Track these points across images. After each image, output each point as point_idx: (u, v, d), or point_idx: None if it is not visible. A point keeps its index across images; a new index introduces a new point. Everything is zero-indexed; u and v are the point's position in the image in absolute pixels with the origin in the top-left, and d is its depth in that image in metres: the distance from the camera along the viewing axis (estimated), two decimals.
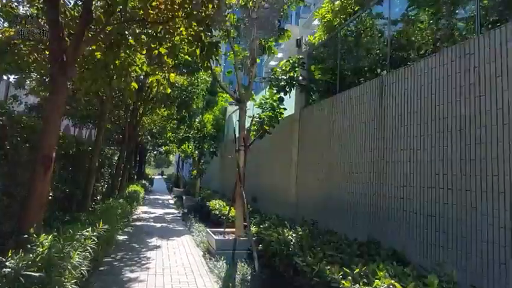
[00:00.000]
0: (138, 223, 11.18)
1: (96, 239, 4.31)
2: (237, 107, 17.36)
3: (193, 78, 13.08)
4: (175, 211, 15.51)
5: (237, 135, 7.84)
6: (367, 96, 5.97)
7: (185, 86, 12.38)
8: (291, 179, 8.32)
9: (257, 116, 7.93)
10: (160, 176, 56.28)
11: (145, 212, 14.20)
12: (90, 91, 6.70)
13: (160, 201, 19.97)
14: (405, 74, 5.13)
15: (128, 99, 10.90)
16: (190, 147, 16.27)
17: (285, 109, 7.80)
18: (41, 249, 3.45)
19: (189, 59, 8.20)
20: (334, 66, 7.45)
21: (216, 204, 11.36)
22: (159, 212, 14.71)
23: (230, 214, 8.46)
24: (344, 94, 6.66)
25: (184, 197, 17.07)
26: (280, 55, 33.61)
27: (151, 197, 22.76)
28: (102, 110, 7.92)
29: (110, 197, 10.20)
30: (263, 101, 8.29)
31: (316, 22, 22.85)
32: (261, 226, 6.73)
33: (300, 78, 7.95)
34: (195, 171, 16.34)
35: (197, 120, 17.20)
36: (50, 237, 3.71)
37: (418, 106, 4.82)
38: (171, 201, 20.20)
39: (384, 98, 5.49)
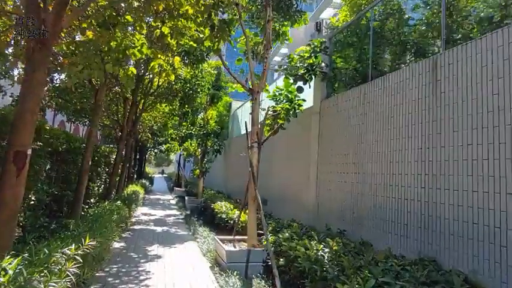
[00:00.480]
0: (137, 227, 10.24)
1: (81, 260, 3.35)
2: (243, 102, 16.31)
3: (197, 71, 12.12)
4: (177, 213, 14.57)
5: (249, 130, 6.90)
6: (413, 81, 5.00)
7: (188, 78, 11.43)
8: (310, 180, 7.37)
9: (272, 108, 6.97)
10: (161, 175, 55.43)
11: (145, 214, 13.25)
12: (81, 78, 5.74)
13: (161, 202, 19.03)
14: (472, 50, 4.14)
15: (126, 91, 9.97)
16: (193, 145, 15.32)
17: (304, 100, 6.84)
18: (1, 280, 2.50)
19: (194, 45, 7.23)
20: (363, 51, 6.49)
21: (222, 206, 10.41)
22: (160, 213, 13.76)
23: (241, 219, 7.53)
24: (379, 81, 5.70)
25: (186, 198, 16.14)
26: (284, 50, 32.59)
27: (151, 196, 21.82)
28: (96, 102, 6.98)
29: (106, 199, 9.26)
30: (277, 93, 7.32)
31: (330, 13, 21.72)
32: (280, 236, 5.77)
33: (322, 65, 6.97)
34: (197, 171, 15.40)
35: (200, 116, 16.25)
36: (16, 261, 2.76)
37: (490, 90, 3.86)
38: (173, 202, 19.26)
39: (439, 83, 4.53)
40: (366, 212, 5.60)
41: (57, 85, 9.71)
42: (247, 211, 6.59)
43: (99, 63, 5.55)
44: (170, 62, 5.52)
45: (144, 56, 5.33)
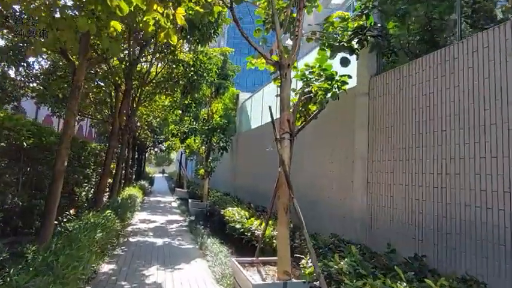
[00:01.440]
0: (133, 239, 8.54)
1: None
2: (252, 94, 14.53)
3: (201, 56, 10.38)
4: (180, 218, 12.88)
5: (275, 118, 5.19)
6: None
7: (191, 63, 9.71)
8: (356, 181, 5.64)
9: (307, 88, 5.25)
10: (161, 175, 53.69)
11: (143, 221, 11.55)
12: (46, 44, 4.03)
13: (161, 205, 17.33)
14: None
15: (117, 76, 8.26)
16: (196, 141, 13.60)
17: (349, 77, 5.10)
18: None
19: (201, 10, 5.50)
20: (428, 12, 4.75)
21: (234, 213, 8.71)
22: (160, 220, 12.06)
23: (263, 233, 5.88)
24: (477, 39, 3.97)
25: (190, 201, 14.42)
26: (288, 42, 30.85)
27: (151, 198, 20.12)
28: (74, 83, 5.26)
29: (93, 207, 7.55)
30: (307, 71, 5.57)
31: None
32: (330, 263, 4.05)
33: (374, 29, 5.21)
34: (202, 170, 13.69)
35: (204, 110, 14.52)
36: None
37: None
38: (174, 204, 17.56)
39: None
40: (463, 230, 3.87)
41: (34, 69, 8.02)
42: (268, 223, 4.86)
43: (69, 19, 3.85)
44: (170, 16, 3.80)
45: (132, 8, 3.61)
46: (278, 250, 4.75)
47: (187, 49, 10.43)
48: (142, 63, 11.20)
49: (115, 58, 8.53)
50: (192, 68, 9.52)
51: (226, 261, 6.33)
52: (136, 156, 25.40)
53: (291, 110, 5.07)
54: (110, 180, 11.10)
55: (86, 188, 8.75)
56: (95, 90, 9.64)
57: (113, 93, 9.75)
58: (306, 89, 5.24)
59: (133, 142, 20.75)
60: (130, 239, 8.46)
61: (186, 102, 12.55)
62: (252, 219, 7.45)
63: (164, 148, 17.46)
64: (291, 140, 4.93)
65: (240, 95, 15.66)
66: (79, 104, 9.39)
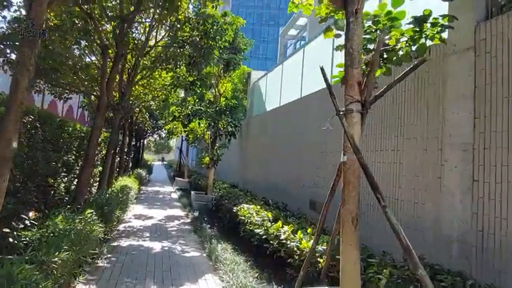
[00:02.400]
0: (124, 242, 6.83)
1: None
2: (266, 71, 12.60)
3: (209, 21, 8.45)
4: (182, 213, 11.18)
5: (329, 81, 3.40)
6: None
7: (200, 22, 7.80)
8: (450, 179, 3.84)
9: (386, 35, 3.42)
10: (160, 163, 51.77)
11: (138, 217, 9.85)
12: None
13: (160, 196, 15.63)
14: None
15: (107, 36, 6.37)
16: (201, 125, 11.79)
17: (454, 17, 3.27)
18: None
19: None
20: None
21: (252, 213, 6.98)
22: (158, 215, 10.36)
23: (301, 244, 4.20)
24: None
25: (193, 193, 12.70)
26: (302, 21, 28.60)
27: (149, 188, 18.42)
28: (31, 21, 3.46)
29: (75, 203, 5.81)
30: (379, 17, 3.71)
31: None
32: None
33: None
34: (207, 158, 11.91)
35: (209, 93, 12.65)
36: None
37: None
38: (174, 196, 15.87)
39: None
40: None
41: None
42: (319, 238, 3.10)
43: None
44: None
45: None
46: (342, 280, 3.01)
47: (192, 10, 8.52)
48: (137, 29, 9.29)
49: (98, 9, 6.56)
50: (202, 27, 7.58)
51: (248, 283, 4.62)
52: (133, 142, 23.59)
53: (359, 70, 3.27)
54: (100, 169, 9.34)
55: (66, 179, 6.98)
56: (76, 50, 7.70)
57: (100, 59, 7.85)
58: (385, 37, 3.41)
59: (130, 127, 18.91)
60: (121, 243, 6.75)
61: (191, 79, 10.68)
62: (279, 223, 5.70)
63: (164, 134, 15.38)
64: (362, 113, 3.15)
65: (252, 74, 13.75)
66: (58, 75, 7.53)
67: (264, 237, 5.71)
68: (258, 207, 7.38)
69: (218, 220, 9.59)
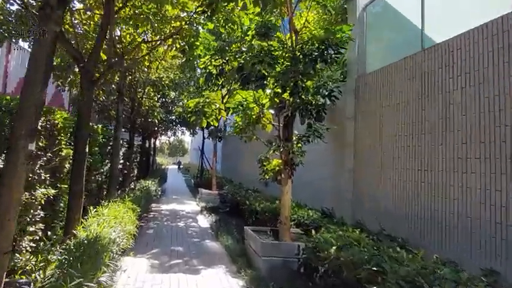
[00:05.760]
0: None
1: None
2: None
3: None
4: (232, 279, 5.01)
5: None
6: None
7: None
8: None
9: None
10: (176, 167, 45.43)
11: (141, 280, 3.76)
12: None
13: (181, 224, 9.46)
14: None
15: None
16: (267, 94, 5.66)
17: None
18: None
19: None
20: None
21: None
22: (180, 280, 4.25)
23: None
24: None
25: (251, 233, 6.43)
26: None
27: (162, 207, 12.37)
28: None
29: None
30: None
31: None
32: None
33: None
34: (276, 162, 5.78)
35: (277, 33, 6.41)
36: None
37: None
38: (203, 223, 9.76)
39: None
40: None
41: None
42: None
43: None
44: None
45: None
46: None
47: None
48: None
49: None
50: None
51: None
52: (140, 142, 17.54)
53: None
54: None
55: None
56: None
57: None
58: None
59: (132, 117, 12.88)
60: None
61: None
62: None
63: (189, 120, 8.82)
64: None
65: None
66: None
67: None
68: None
69: None
